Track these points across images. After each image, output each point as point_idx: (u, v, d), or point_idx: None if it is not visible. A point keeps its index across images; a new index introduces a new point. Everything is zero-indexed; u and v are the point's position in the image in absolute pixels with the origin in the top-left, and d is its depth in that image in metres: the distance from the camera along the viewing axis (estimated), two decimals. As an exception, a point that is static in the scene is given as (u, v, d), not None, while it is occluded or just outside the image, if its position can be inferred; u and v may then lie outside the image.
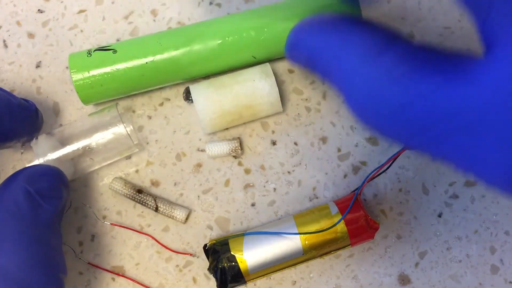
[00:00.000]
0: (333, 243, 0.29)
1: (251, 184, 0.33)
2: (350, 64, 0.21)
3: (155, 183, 0.33)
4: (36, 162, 0.30)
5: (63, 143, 0.31)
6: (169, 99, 0.34)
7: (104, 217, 0.33)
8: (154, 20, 0.36)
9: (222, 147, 0.32)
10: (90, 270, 0.32)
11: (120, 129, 0.31)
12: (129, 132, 0.31)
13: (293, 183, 0.33)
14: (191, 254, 0.32)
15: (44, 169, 0.29)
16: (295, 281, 0.32)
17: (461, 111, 0.18)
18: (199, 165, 0.34)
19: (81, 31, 0.36)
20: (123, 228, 0.33)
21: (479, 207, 0.32)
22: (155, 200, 0.32)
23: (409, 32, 0.35)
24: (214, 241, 0.30)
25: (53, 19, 0.36)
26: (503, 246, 0.32)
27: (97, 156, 0.31)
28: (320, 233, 0.29)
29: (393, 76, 0.20)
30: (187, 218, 0.33)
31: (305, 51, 0.24)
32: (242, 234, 0.30)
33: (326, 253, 0.29)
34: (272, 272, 0.29)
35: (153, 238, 0.32)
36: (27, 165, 0.30)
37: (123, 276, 0.32)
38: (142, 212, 0.33)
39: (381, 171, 0.29)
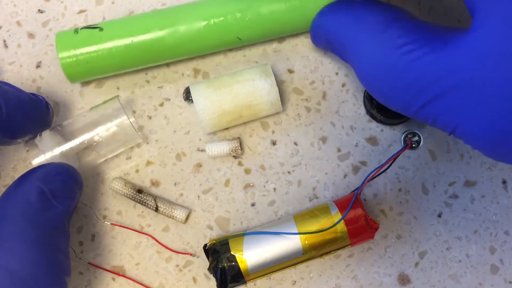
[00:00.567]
0: (333, 243, 0.29)
1: (251, 184, 0.33)
2: (360, 38, 0.25)
3: (155, 183, 0.33)
4: (41, 157, 0.30)
5: (67, 138, 0.31)
6: (169, 99, 0.34)
7: (104, 217, 0.33)
8: (154, 20, 0.36)
9: (222, 147, 0.33)
10: (90, 270, 0.33)
11: (123, 121, 0.31)
12: (132, 123, 0.31)
13: (293, 183, 0.33)
14: (191, 254, 0.32)
15: (59, 168, 0.29)
16: (295, 281, 0.32)
17: (447, 74, 0.21)
18: (199, 165, 0.34)
19: (81, 31, 0.36)
20: (123, 228, 0.33)
21: (479, 207, 0.32)
22: (155, 200, 0.32)
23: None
24: (214, 241, 0.30)
25: (53, 19, 0.36)
26: (503, 246, 0.32)
27: (102, 149, 0.32)
28: (320, 233, 0.29)
29: (394, 46, 0.23)
30: (187, 218, 0.33)
31: (324, 33, 0.29)
32: (242, 234, 0.30)
33: (326, 253, 0.29)
34: (272, 272, 0.29)
35: (153, 238, 0.32)
36: (37, 163, 0.30)
37: (123, 276, 0.32)
38: (142, 212, 0.33)
39: (381, 171, 0.29)
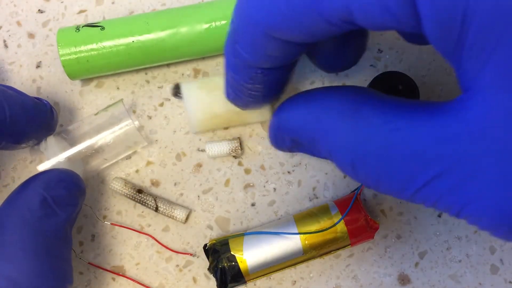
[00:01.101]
0: (333, 243, 0.29)
1: (251, 184, 0.33)
2: (332, 127, 0.21)
3: (155, 183, 0.33)
4: (46, 163, 0.30)
5: (72, 143, 0.31)
6: (169, 99, 0.34)
7: (104, 217, 0.33)
8: (154, 20, 0.36)
9: (222, 147, 0.33)
10: (90, 270, 0.33)
11: (128, 124, 0.31)
12: (137, 127, 0.31)
13: (293, 183, 0.33)
14: (191, 254, 0.32)
15: (62, 174, 0.29)
16: (295, 281, 0.32)
17: (448, 147, 0.18)
18: (199, 165, 0.34)
19: (81, 31, 0.36)
20: (123, 228, 0.33)
21: (479, 207, 0.32)
22: (155, 200, 0.32)
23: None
24: (214, 241, 0.30)
25: (53, 19, 0.36)
26: (503, 246, 0.32)
27: (107, 153, 0.32)
28: (320, 233, 0.29)
29: (374, 126, 0.20)
30: (187, 218, 0.33)
31: (287, 133, 0.24)
32: (242, 234, 0.30)
33: (326, 253, 0.29)
34: (272, 272, 0.29)
35: (153, 238, 0.32)
36: (42, 169, 0.30)
37: (123, 276, 0.32)
38: (142, 212, 0.33)
39: None
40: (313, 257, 0.29)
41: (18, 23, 0.36)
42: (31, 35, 0.36)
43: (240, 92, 0.25)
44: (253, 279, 0.29)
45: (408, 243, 0.32)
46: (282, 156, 0.33)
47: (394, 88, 0.30)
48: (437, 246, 0.32)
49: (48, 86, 0.35)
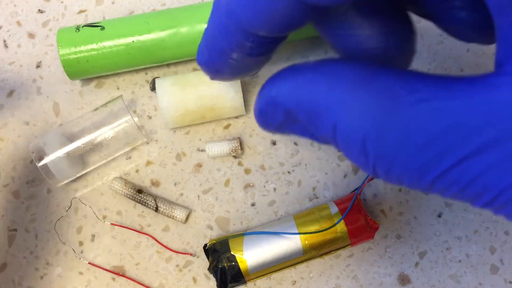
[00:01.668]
0: (333, 243, 0.29)
1: (251, 184, 0.33)
2: (342, 94, 0.18)
3: (155, 183, 0.33)
4: (46, 159, 0.30)
5: (71, 139, 0.31)
6: (169, 99, 0.34)
7: (104, 217, 0.33)
8: (154, 20, 0.36)
9: (222, 147, 0.33)
10: (90, 270, 0.33)
11: (127, 121, 0.31)
12: (137, 123, 0.31)
13: (293, 183, 0.33)
14: (191, 254, 0.32)
15: None
16: (295, 281, 0.32)
17: (489, 121, 0.16)
18: (199, 165, 0.34)
19: (81, 31, 0.36)
20: (123, 228, 0.33)
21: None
22: (155, 200, 0.32)
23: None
24: (214, 241, 0.30)
25: (53, 19, 0.36)
26: (503, 246, 0.32)
27: (107, 149, 0.32)
28: (320, 233, 0.29)
29: (391, 94, 0.17)
30: (187, 218, 0.33)
31: (281, 107, 0.21)
32: (242, 234, 0.30)
33: (326, 253, 0.29)
34: (272, 272, 0.29)
35: (153, 238, 0.32)
36: (41, 165, 0.30)
37: (123, 276, 0.32)
38: (142, 212, 0.33)
39: None
40: (313, 257, 0.29)
41: (18, 23, 0.36)
42: (31, 35, 0.36)
43: (217, 58, 0.22)
44: (253, 279, 0.29)
45: (408, 243, 0.32)
46: (282, 156, 0.33)
47: None
48: (437, 246, 0.32)
49: (48, 86, 0.35)
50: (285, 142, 0.34)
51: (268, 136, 0.34)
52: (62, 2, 0.37)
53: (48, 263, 0.33)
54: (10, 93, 0.35)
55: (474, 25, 0.21)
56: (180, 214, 0.32)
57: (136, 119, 0.32)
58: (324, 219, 0.29)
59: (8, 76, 0.36)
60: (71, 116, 0.35)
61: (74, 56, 0.31)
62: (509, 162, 0.16)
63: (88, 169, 0.33)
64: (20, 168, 0.34)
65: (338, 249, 0.29)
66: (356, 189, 0.30)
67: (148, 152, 0.34)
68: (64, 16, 0.36)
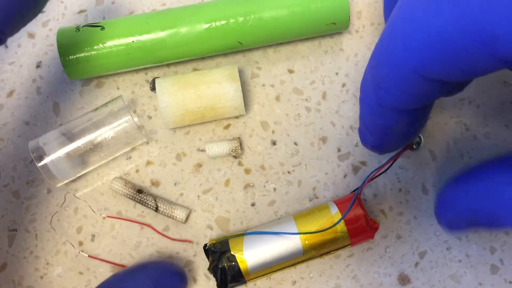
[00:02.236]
0: (333, 243, 0.29)
1: (251, 184, 0.33)
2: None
3: (155, 183, 0.33)
4: (46, 159, 0.30)
5: (71, 139, 0.31)
6: (169, 99, 0.34)
7: (104, 218, 0.33)
8: (154, 20, 0.36)
9: (222, 147, 0.33)
10: (90, 270, 0.33)
11: (127, 121, 0.31)
12: (137, 123, 0.31)
13: (293, 183, 0.33)
14: (190, 241, 0.32)
15: (172, 273, 0.29)
16: (295, 281, 0.32)
17: None
18: (199, 165, 0.34)
19: (81, 31, 0.36)
20: (123, 228, 0.33)
21: (479, 207, 0.32)
22: (155, 200, 0.32)
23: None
24: (214, 241, 0.30)
25: (53, 19, 0.36)
26: (503, 246, 0.32)
27: (107, 149, 0.32)
28: (320, 233, 0.29)
29: None
30: (187, 218, 0.33)
31: (464, 213, 0.23)
32: (242, 234, 0.30)
33: (326, 253, 0.29)
34: (272, 272, 0.29)
35: (152, 227, 0.32)
36: (42, 165, 0.30)
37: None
38: (142, 212, 0.33)
39: (381, 171, 0.29)
40: (313, 257, 0.29)
41: (18, 23, 0.36)
42: (31, 35, 0.36)
43: (382, 137, 0.25)
44: (253, 279, 0.29)
45: (408, 243, 0.32)
46: (282, 156, 0.33)
47: None
48: (437, 246, 0.32)
49: (48, 86, 0.35)
50: (285, 142, 0.34)
51: (268, 136, 0.34)
52: (62, 2, 0.37)
53: (48, 263, 0.33)
54: (10, 93, 0.35)
55: None
56: (180, 214, 0.32)
57: (136, 119, 0.32)
58: (324, 219, 0.29)
59: (8, 76, 0.36)
60: (71, 116, 0.35)
61: (74, 56, 0.31)
62: None
63: (88, 169, 0.33)
64: (20, 168, 0.34)
65: (338, 249, 0.29)
66: (356, 189, 0.30)
67: (148, 152, 0.34)
68: (64, 16, 0.36)
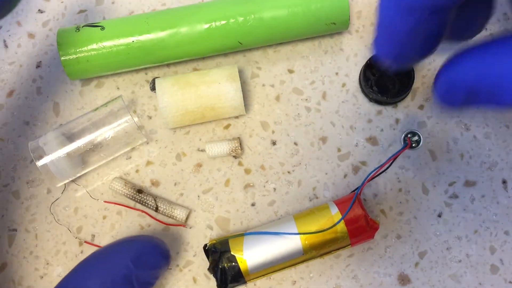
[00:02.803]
0: (333, 243, 0.29)
1: (251, 184, 0.33)
2: None
3: (155, 183, 0.33)
4: (46, 159, 0.30)
5: (71, 139, 0.31)
6: (169, 99, 0.34)
7: (104, 217, 0.33)
8: (154, 20, 0.36)
9: (222, 147, 0.33)
10: (90, 270, 0.33)
11: (127, 121, 0.31)
12: (137, 123, 0.31)
13: (293, 183, 0.33)
14: (183, 225, 0.32)
15: (152, 247, 0.28)
16: (295, 281, 0.32)
17: None
18: (199, 165, 0.34)
19: (81, 31, 0.36)
20: (123, 229, 0.33)
21: (479, 207, 0.32)
22: (155, 200, 0.32)
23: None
24: (214, 241, 0.30)
25: (53, 19, 0.36)
26: (503, 246, 0.32)
27: (106, 150, 0.32)
28: (320, 233, 0.29)
29: None
30: (187, 218, 0.33)
31: (465, 83, 0.23)
32: (242, 234, 0.30)
33: (326, 253, 0.29)
34: (272, 272, 0.29)
35: (146, 213, 0.32)
36: (42, 164, 0.30)
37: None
38: (142, 212, 0.33)
39: (381, 171, 0.29)
40: (313, 257, 0.29)
41: (18, 23, 0.36)
42: (31, 35, 0.36)
43: (399, 42, 0.24)
44: (253, 279, 0.29)
45: (408, 243, 0.32)
46: (282, 156, 0.33)
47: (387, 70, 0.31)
48: (437, 246, 0.32)
49: (48, 86, 0.35)
50: (285, 142, 0.34)
51: (268, 136, 0.34)
52: (62, 2, 0.37)
53: (48, 263, 0.33)
54: (10, 93, 0.35)
55: None
56: (180, 214, 0.32)
57: (136, 119, 0.32)
58: (324, 219, 0.29)
59: (8, 76, 0.36)
60: (71, 116, 0.35)
61: (74, 56, 0.31)
62: None
63: (88, 169, 0.33)
64: (20, 168, 0.34)
65: (338, 249, 0.29)
66: (356, 189, 0.30)
67: (148, 152, 0.34)
68: (64, 16, 0.36)
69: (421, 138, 0.32)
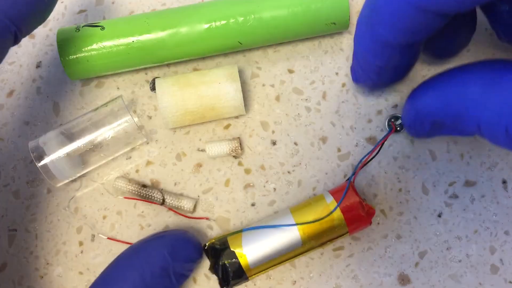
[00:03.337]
0: (331, 232, 0.29)
1: (251, 184, 0.33)
2: (477, 96, 0.21)
3: (155, 183, 0.33)
4: (46, 159, 0.30)
5: (71, 139, 0.31)
6: (169, 99, 0.34)
7: (104, 217, 0.33)
8: (154, 20, 0.36)
9: (222, 147, 0.33)
10: (90, 270, 0.32)
11: (127, 121, 0.31)
12: (137, 123, 0.31)
13: (293, 183, 0.33)
14: (207, 218, 0.33)
15: (186, 240, 0.29)
16: (295, 281, 0.32)
17: None
18: (199, 165, 0.34)
19: (81, 31, 0.36)
20: (123, 228, 0.33)
21: (479, 207, 0.32)
22: (161, 193, 0.32)
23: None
24: (213, 240, 0.30)
25: (53, 19, 0.36)
26: (503, 246, 0.32)
27: (107, 149, 0.32)
28: (318, 222, 0.29)
29: None
30: (194, 208, 0.32)
31: (430, 114, 0.24)
32: (240, 231, 0.30)
33: (325, 243, 0.29)
34: (273, 266, 0.29)
35: (171, 209, 0.32)
36: (42, 164, 0.30)
37: (123, 276, 0.32)
38: (142, 212, 0.33)
39: (371, 157, 0.30)
40: (313, 248, 0.29)
41: (18, 23, 0.36)
42: (31, 35, 0.36)
43: (373, 74, 0.26)
44: (255, 274, 0.29)
45: (408, 243, 0.32)
46: (282, 156, 0.33)
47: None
48: (437, 246, 0.32)
49: (48, 86, 0.35)
50: (285, 142, 0.34)
51: (268, 136, 0.34)
52: (62, 2, 0.37)
53: (48, 263, 0.33)
54: (10, 93, 0.35)
55: None
56: (187, 204, 0.32)
57: (136, 119, 0.32)
58: (320, 208, 0.29)
59: (8, 76, 0.36)
60: (71, 116, 0.35)
61: (74, 56, 0.31)
62: None
63: (88, 169, 0.33)
64: (20, 168, 0.34)
65: (336, 237, 0.29)
66: (349, 177, 0.30)
67: (148, 152, 0.34)
68: (64, 16, 0.36)
69: None
